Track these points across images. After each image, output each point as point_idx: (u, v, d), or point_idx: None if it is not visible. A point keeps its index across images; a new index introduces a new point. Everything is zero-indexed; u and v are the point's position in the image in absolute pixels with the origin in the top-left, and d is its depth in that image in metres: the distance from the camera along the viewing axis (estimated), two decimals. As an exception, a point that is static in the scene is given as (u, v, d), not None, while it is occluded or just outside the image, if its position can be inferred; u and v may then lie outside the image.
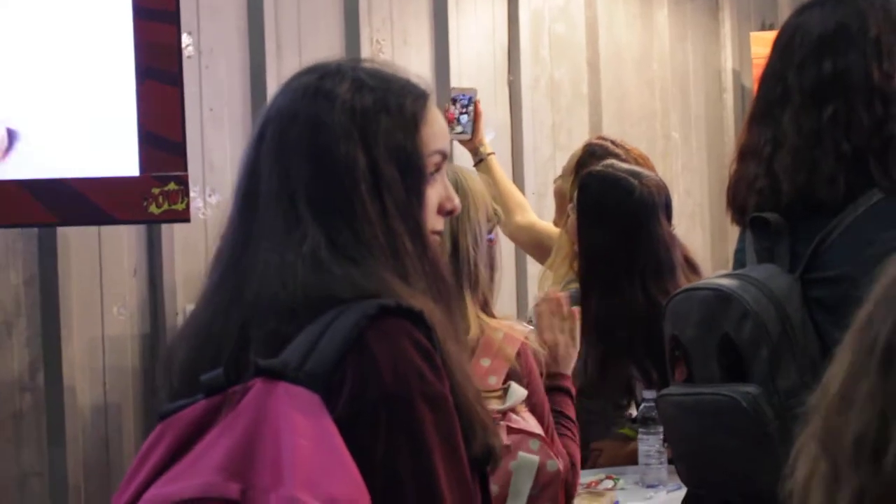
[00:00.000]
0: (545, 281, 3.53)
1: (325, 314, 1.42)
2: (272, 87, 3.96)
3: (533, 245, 3.80)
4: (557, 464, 2.46)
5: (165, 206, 2.91)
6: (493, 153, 3.84)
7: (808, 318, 1.97)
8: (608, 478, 3.22)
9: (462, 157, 4.00)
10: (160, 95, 2.88)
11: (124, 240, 3.75)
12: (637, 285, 3.14)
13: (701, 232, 5.49)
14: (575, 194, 3.30)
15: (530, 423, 2.50)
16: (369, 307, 1.41)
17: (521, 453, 2.44)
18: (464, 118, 3.76)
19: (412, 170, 1.51)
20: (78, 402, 3.68)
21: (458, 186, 2.48)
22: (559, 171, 3.81)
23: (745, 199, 2.11)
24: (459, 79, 4.57)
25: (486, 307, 2.57)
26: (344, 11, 4.31)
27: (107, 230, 3.67)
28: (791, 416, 1.88)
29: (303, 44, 4.18)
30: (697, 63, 5.49)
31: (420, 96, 1.55)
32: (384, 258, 1.47)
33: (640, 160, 3.54)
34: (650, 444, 3.18)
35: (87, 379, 3.71)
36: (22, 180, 2.87)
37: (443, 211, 1.57)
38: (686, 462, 2.19)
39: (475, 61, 4.69)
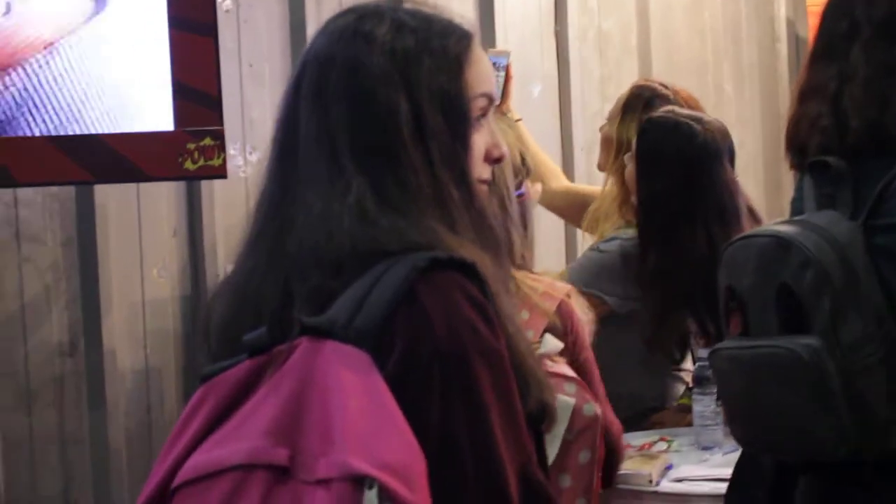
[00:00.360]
0: (594, 225, 3.44)
1: (373, 268, 1.37)
2: (312, 42, 3.85)
3: (573, 208, 3.70)
4: (595, 408, 2.40)
5: (201, 162, 2.83)
6: (521, 119, 3.73)
7: (872, 267, 1.89)
8: (662, 439, 3.18)
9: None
10: (194, 47, 2.80)
11: (164, 200, 3.68)
12: (700, 233, 3.09)
13: (754, 185, 5.38)
14: (633, 141, 3.24)
15: (566, 371, 2.43)
16: (420, 259, 1.36)
17: (557, 395, 2.36)
18: (498, 81, 3.63)
19: (457, 114, 1.46)
20: (119, 367, 3.63)
21: None
22: (608, 125, 3.69)
23: (806, 140, 2.03)
24: (504, 29, 4.47)
25: (524, 264, 2.50)
26: (384, -39, 4.18)
27: (145, 190, 3.61)
28: (855, 371, 1.83)
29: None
30: (750, 11, 5.36)
31: (464, 36, 1.50)
32: (430, 208, 1.42)
33: (690, 102, 3.45)
34: (705, 405, 3.13)
35: (127, 343, 3.66)
36: (52, 136, 2.79)
37: (490, 158, 1.52)
38: (740, 420, 2.11)
39: (520, 11, 4.57)
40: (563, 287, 2.57)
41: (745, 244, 2.05)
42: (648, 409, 3.33)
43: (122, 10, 2.85)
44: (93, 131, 2.82)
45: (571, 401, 2.38)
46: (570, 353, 2.49)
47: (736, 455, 2.28)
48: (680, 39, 5.10)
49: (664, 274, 3.13)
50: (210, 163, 2.80)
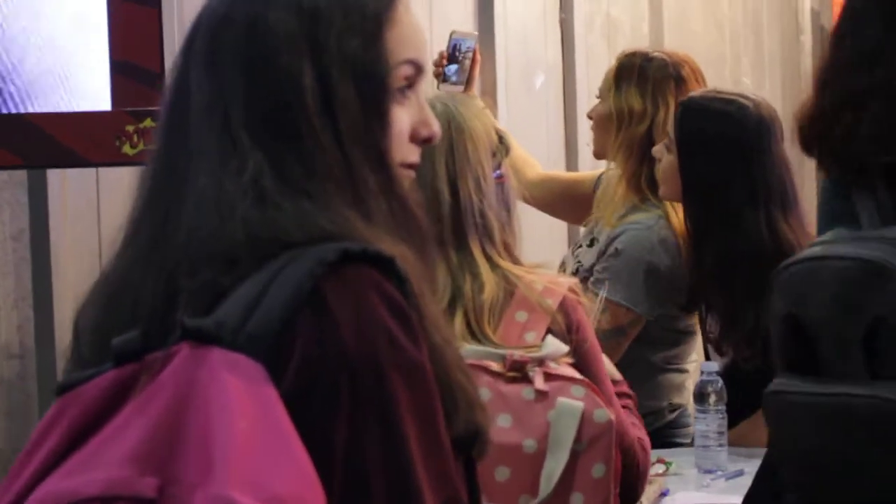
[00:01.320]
0: (605, 210, 3.16)
1: (272, 260, 1.19)
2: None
3: (554, 198, 3.45)
4: (608, 414, 2.15)
5: (141, 146, 2.58)
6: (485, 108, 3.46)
7: None
8: (659, 461, 2.95)
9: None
10: (135, 18, 2.54)
11: (125, 185, 3.42)
12: (762, 219, 2.86)
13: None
14: (669, 129, 2.98)
15: (572, 373, 2.20)
16: (328, 252, 1.18)
17: (561, 399, 2.13)
18: (452, 67, 3.35)
19: (372, 84, 1.28)
20: (73, 370, 3.38)
21: (451, 119, 2.21)
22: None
23: (846, 132, 1.76)
24: (505, 16, 4.24)
25: (510, 256, 2.27)
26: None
27: (105, 176, 3.36)
28: None
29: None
30: (772, 1, 5.19)
31: None
32: (341, 192, 1.24)
33: (689, 64, 3.19)
34: (707, 424, 2.92)
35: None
36: (-28, 116, 2.54)
37: (417, 138, 1.33)
38: (812, 479, 1.80)
39: (522, -2, 4.33)
40: (566, 281, 2.33)
41: (812, 267, 1.78)
42: (653, 412, 3.12)
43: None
44: (18, 107, 2.57)
45: (579, 405, 2.14)
46: (576, 353, 2.24)
47: (741, 481, 2.18)
48: (696, 29, 4.91)
49: (733, 267, 2.89)
50: (150, 147, 2.53)
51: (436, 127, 1.34)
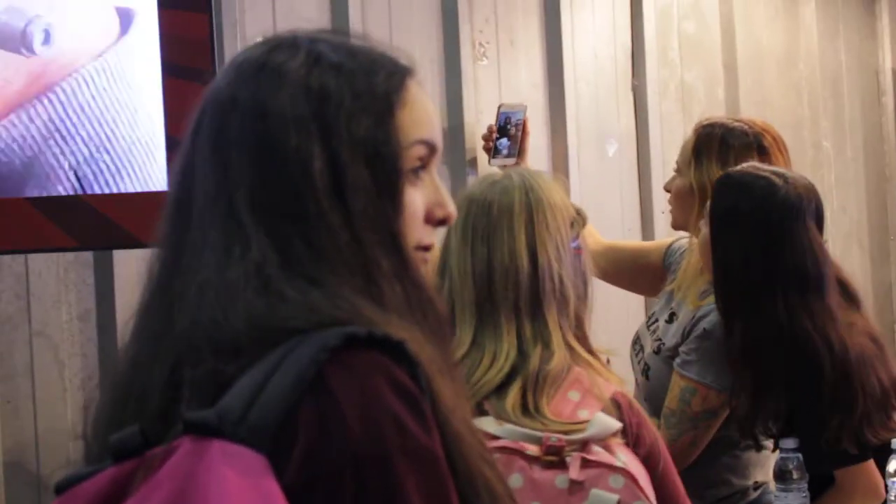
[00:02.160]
0: (687, 285, 3.08)
1: (276, 348, 1.14)
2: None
3: (623, 267, 3.34)
4: None
5: (198, 225, 2.53)
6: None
7: None
8: None
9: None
10: (191, 97, 2.50)
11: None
12: (779, 302, 2.74)
13: (859, 253, 5.02)
14: (707, 203, 2.88)
15: (625, 460, 2.09)
16: (331, 337, 1.13)
17: (595, 490, 2.03)
18: (503, 141, 3.29)
19: (385, 166, 1.24)
20: (140, 451, 3.35)
21: (529, 190, 2.18)
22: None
23: None
24: (575, 84, 4.17)
25: (580, 331, 2.21)
26: (441, 9, 3.91)
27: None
28: None
29: (394, 48, 3.80)
30: (851, 62, 5.06)
31: (396, 72, 1.28)
32: (351, 277, 1.20)
33: (770, 133, 3.08)
34: (790, 501, 2.78)
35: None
36: (30, 198, 2.52)
37: (433, 220, 1.30)
38: None
39: (593, 64, 4.27)
40: (615, 378, 2.24)
41: None
42: (738, 491, 3.02)
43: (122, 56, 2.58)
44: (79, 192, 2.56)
45: (614, 498, 2.03)
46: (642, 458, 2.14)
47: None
48: (773, 93, 4.80)
49: (754, 349, 2.78)
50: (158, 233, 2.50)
51: (451, 208, 1.30)
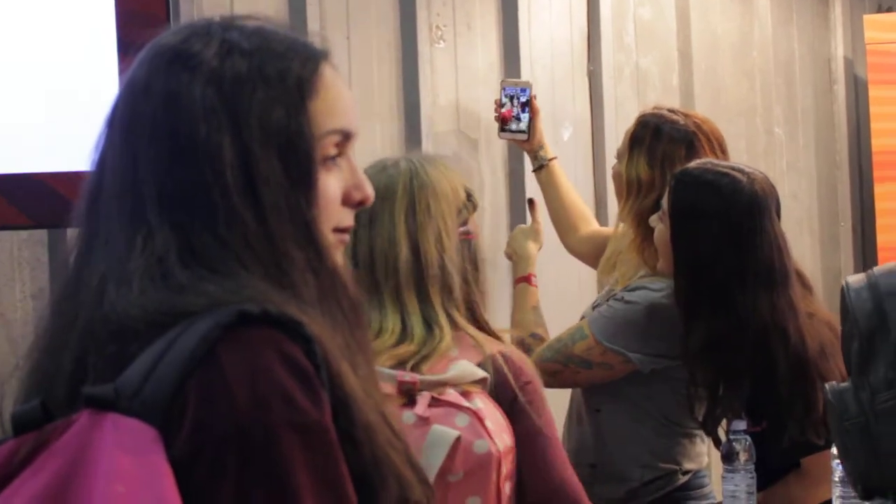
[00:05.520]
0: (609, 269, 3.12)
1: (172, 329, 1.15)
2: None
3: (599, 254, 3.36)
4: (489, 445, 2.10)
5: (153, 205, 2.52)
6: (556, 157, 3.42)
7: None
8: None
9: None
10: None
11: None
12: (747, 299, 2.77)
13: (809, 240, 5.07)
14: (663, 201, 2.89)
15: (480, 406, 2.14)
16: (225, 314, 1.14)
17: (436, 426, 2.09)
18: (524, 116, 3.33)
19: (298, 157, 1.23)
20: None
21: (414, 177, 2.22)
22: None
23: None
24: (531, 68, 4.19)
25: (474, 315, 2.25)
26: (398, -8, 3.93)
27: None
28: (874, 413, 1.91)
29: (351, 31, 3.81)
30: (804, 50, 5.07)
31: (309, 59, 1.26)
32: (262, 270, 1.20)
33: (707, 126, 3.11)
34: (737, 483, 2.82)
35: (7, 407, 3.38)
36: (-14, 175, 2.52)
37: (351, 202, 1.29)
38: None
39: (549, 49, 4.29)
40: (514, 350, 2.31)
41: None
42: (665, 474, 3.04)
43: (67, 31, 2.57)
44: (34, 170, 2.55)
45: (453, 433, 2.08)
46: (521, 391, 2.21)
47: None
48: (726, 80, 4.83)
49: (716, 346, 2.80)
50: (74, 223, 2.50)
51: (369, 189, 1.30)
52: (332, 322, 1.21)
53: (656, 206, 2.94)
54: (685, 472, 3.07)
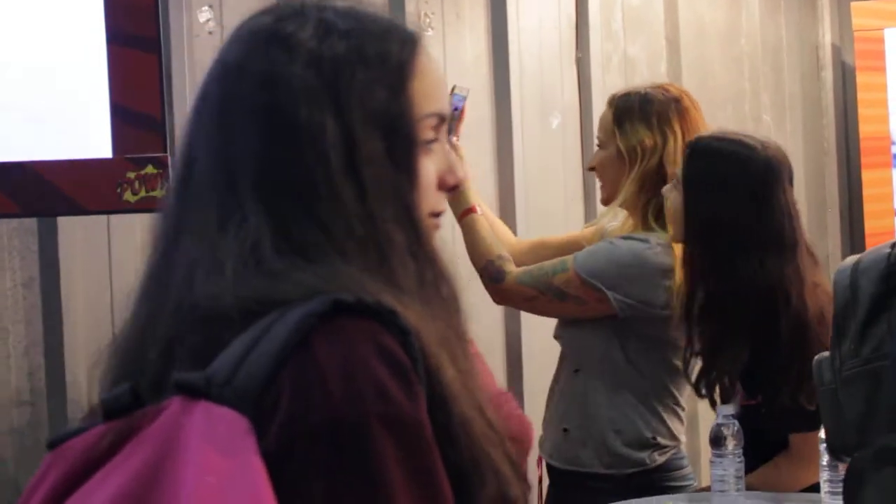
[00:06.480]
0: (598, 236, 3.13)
1: (264, 317, 1.12)
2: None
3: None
4: None
5: (143, 193, 2.55)
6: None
7: (885, 292, 1.95)
8: None
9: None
10: (136, 65, 2.51)
11: (137, 234, 3.41)
12: (755, 264, 2.82)
13: (797, 225, 5.07)
14: (677, 169, 2.95)
15: None
16: (319, 303, 1.10)
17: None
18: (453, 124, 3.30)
19: (400, 139, 1.21)
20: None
21: None
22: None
23: None
24: (520, 57, 4.19)
25: None
26: (387, -20, 3.93)
27: (118, 222, 3.34)
28: (842, 381, 1.97)
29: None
30: (791, 38, 5.08)
31: (408, 41, 1.24)
32: (360, 255, 1.17)
33: (686, 96, 3.16)
34: (725, 468, 2.84)
35: (95, 392, 3.38)
36: (-26, 164, 2.52)
37: (445, 186, 1.27)
38: None
39: (537, 37, 4.29)
40: None
41: None
42: (648, 443, 3.07)
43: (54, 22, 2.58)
44: (24, 158, 2.56)
45: None
46: None
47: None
48: (714, 67, 4.83)
49: (721, 306, 2.85)
50: (152, 194, 2.51)
51: (461, 173, 1.28)
52: (431, 310, 1.19)
53: (659, 169, 3.00)
54: (661, 448, 3.09)
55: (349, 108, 1.18)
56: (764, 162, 2.86)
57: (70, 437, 1.12)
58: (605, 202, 3.23)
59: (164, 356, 1.17)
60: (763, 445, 2.87)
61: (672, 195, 2.94)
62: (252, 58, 1.20)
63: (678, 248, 2.98)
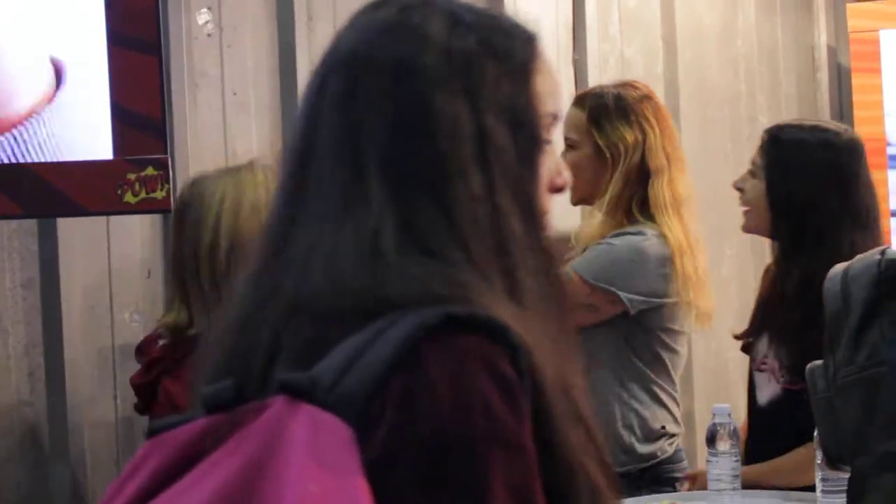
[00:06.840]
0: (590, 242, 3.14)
1: (376, 320, 1.12)
2: (303, 67, 3.62)
3: None
4: None
5: (143, 195, 2.56)
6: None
7: (877, 298, 1.98)
8: None
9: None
10: (136, 66, 2.53)
11: (136, 235, 3.43)
12: (845, 241, 2.92)
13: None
14: (754, 157, 3.05)
15: None
16: (431, 315, 1.11)
17: None
18: None
19: (527, 133, 1.22)
20: (84, 418, 3.38)
21: (237, 185, 2.44)
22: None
23: None
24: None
25: None
26: (384, -18, 3.93)
27: (117, 223, 3.36)
28: (836, 389, 1.97)
29: (338, 16, 3.82)
30: (787, 39, 5.07)
31: (531, 39, 1.26)
32: (481, 248, 1.17)
33: (651, 92, 3.21)
34: (721, 468, 2.86)
35: (95, 393, 3.40)
36: (-24, 166, 2.54)
37: (553, 187, 1.27)
38: None
39: (534, 38, 4.28)
40: None
41: None
42: (658, 434, 3.11)
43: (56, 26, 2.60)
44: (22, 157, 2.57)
45: None
46: None
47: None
48: (710, 68, 4.84)
49: (808, 288, 2.84)
50: (153, 195, 2.53)
51: (568, 175, 1.29)
52: (545, 308, 1.19)
53: (642, 163, 3.03)
54: (670, 437, 3.11)
55: (481, 100, 1.19)
56: (847, 143, 3.01)
57: (170, 427, 1.12)
58: (575, 202, 3.24)
59: (272, 348, 1.17)
60: (793, 434, 2.87)
61: (749, 184, 3.02)
62: (380, 47, 1.21)
63: (673, 238, 3.02)
